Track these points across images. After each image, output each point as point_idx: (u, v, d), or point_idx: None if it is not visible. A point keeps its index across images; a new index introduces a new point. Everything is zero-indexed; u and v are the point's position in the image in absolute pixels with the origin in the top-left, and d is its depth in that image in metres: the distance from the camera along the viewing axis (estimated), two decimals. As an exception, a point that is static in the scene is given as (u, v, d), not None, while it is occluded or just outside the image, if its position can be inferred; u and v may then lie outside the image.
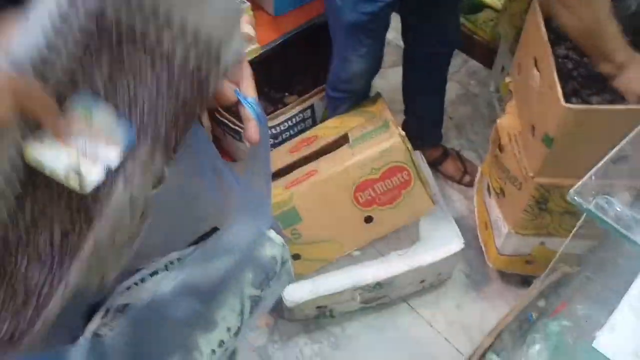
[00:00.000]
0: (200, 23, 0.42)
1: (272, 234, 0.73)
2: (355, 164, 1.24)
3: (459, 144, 1.89)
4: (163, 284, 0.60)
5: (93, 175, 0.40)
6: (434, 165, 1.75)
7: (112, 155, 0.41)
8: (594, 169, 0.66)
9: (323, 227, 1.28)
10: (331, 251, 1.32)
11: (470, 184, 1.75)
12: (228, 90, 0.53)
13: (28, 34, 0.38)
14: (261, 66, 1.58)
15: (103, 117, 0.41)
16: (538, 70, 1.14)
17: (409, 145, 1.25)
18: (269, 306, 0.80)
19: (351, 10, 1.24)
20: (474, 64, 2.16)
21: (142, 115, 0.43)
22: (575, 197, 0.60)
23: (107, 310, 0.55)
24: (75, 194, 0.41)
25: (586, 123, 1.00)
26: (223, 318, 0.69)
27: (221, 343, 0.70)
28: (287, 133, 1.65)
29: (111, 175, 0.42)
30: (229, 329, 0.71)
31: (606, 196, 0.60)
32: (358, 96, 1.53)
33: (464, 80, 2.10)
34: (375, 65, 1.44)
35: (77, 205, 0.43)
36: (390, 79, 1.94)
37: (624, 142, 0.71)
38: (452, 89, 2.02)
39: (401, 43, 1.55)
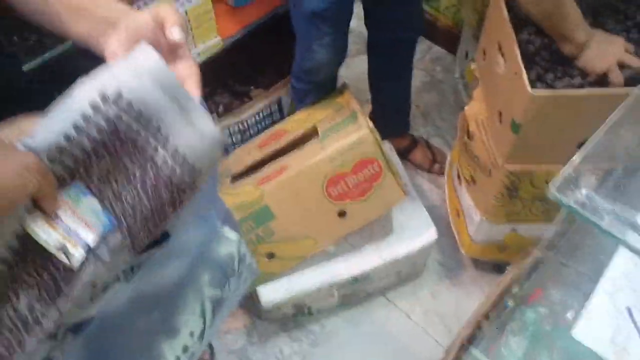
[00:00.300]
0: (190, 151, 0.51)
1: (225, 230, 0.73)
2: (325, 158, 1.21)
3: (426, 131, 1.89)
4: (117, 296, 0.58)
5: (77, 254, 0.46)
6: (403, 154, 1.74)
7: (89, 238, 0.47)
8: (570, 162, 0.65)
9: (296, 224, 1.26)
10: (306, 248, 1.30)
11: (440, 172, 1.75)
12: None
13: (53, 123, 0.46)
14: (224, 59, 1.54)
15: (88, 206, 0.48)
16: (502, 56, 1.14)
17: (378, 137, 1.23)
18: (234, 305, 0.79)
19: None
20: (437, 50, 2.16)
21: (123, 211, 0.50)
22: (556, 194, 0.60)
23: (57, 333, 0.52)
24: (57, 267, 0.47)
25: (552, 108, 1.00)
26: (185, 323, 0.69)
27: (185, 348, 0.69)
28: (255, 128, 1.62)
29: (88, 255, 0.48)
30: (192, 334, 0.70)
31: (584, 190, 0.59)
32: (324, 87, 1.50)
33: (428, 67, 2.10)
34: (339, 54, 1.42)
35: (55, 278, 0.48)
36: (355, 68, 1.92)
37: (600, 129, 0.70)
38: (417, 77, 2.01)
39: (364, 31, 1.53)
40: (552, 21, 1.04)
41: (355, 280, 1.38)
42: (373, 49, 1.57)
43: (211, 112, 1.63)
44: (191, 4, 1.35)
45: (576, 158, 0.74)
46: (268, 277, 1.33)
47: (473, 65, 1.38)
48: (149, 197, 0.51)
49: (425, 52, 2.14)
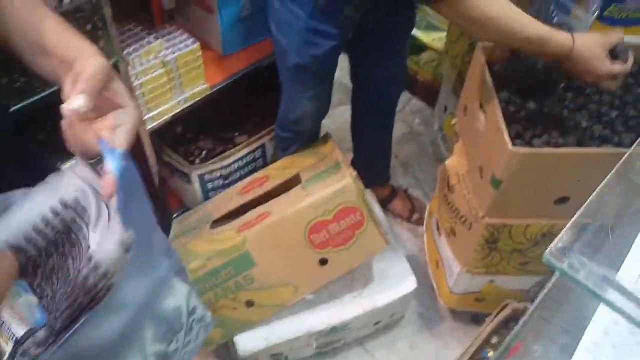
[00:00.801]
0: (101, 256, 0.56)
1: (175, 282, 0.71)
2: (308, 205, 1.22)
3: (405, 182, 1.92)
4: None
5: (6, 348, 0.52)
6: (383, 204, 1.76)
7: (19, 331, 0.52)
8: (565, 229, 0.68)
9: (277, 271, 1.25)
10: (286, 295, 1.29)
11: (418, 222, 1.78)
12: (90, 140, 0.54)
13: (14, 223, 0.53)
14: (211, 106, 1.56)
15: (26, 302, 0.53)
16: (484, 113, 1.18)
17: (361, 186, 1.25)
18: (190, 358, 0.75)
19: (297, 53, 1.25)
20: (417, 102, 2.23)
21: (54, 308, 0.55)
22: (550, 259, 0.61)
23: None
24: None
25: (532, 165, 1.04)
26: None
27: None
28: (238, 173, 1.62)
29: (15, 346, 0.52)
30: None
31: (578, 255, 0.61)
32: (307, 136, 1.53)
33: (408, 119, 2.16)
34: (323, 106, 1.45)
35: None
36: (337, 117, 1.96)
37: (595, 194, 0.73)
38: (397, 128, 2.03)
39: (347, 82, 1.57)
40: (532, 45, 1.01)
41: (334, 329, 1.36)
42: (357, 102, 1.62)
43: (194, 156, 1.64)
44: (181, 51, 1.38)
45: (570, 226, 0.76)
46: (246, 325, 1.31)
47: (454, 120, 1.43)
48: (71, 295, 0.56)
49: (405, 103, 2.21)
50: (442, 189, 1.41)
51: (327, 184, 1.26)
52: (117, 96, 0.57)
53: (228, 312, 1.27)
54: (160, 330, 0.68)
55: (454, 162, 1.34)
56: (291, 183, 1.38)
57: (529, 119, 1.16)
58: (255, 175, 1.55)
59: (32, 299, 0.53)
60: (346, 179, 1.23)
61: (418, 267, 1.61)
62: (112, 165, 0.53)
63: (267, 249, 1.23)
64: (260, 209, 1.32)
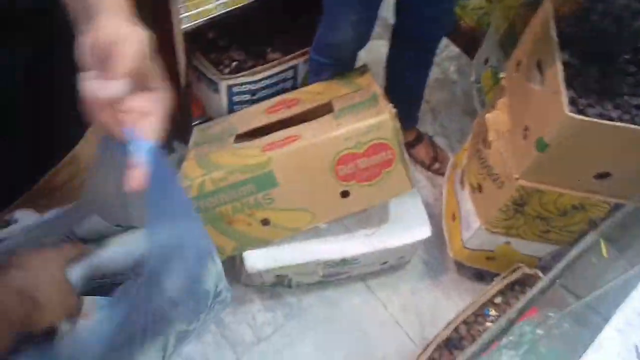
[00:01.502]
0: None
1: (211, 266, 0.71)
2: (340, 135, 1.18)
3: (432, 129, 1.88)
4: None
5: None
6: (406, 147, 1.73)
7: None
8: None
9: (298, 196, 1.23)
10: (302, 221, 1.27)
11: (438, 172, 1.75)
12: (115, 124, 0.48)
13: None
14: (247, 16, 1.49)
15: None
16: (541, 73, 1.12)
17: (398, 124, 1.21)
18: (194, 338, 0.75)
19: None
20: (454, 49, 2.14)
21: None
22: None
23: None
24: None
25: (584, 135, 1.00)
26: (143, 354, 0.64)
27: None
28: (266, 91, 1.57)
29: None
30: None
31: None
32: (343, 65, 1.47)
33: (444, 65, 2.08)
34: (364, 35, 1.39)
35: None
36: (372, 51, 1.87)
37: None
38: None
39: (386, 15, 1.49)
40: None
41: (343, 261, 1.37)
42: (400, 41, 1.54)
43: (224, 66, 1.58)
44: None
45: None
46: (258, 242, 1.30)
47: (502, 74, 1.37)
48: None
49: (442, 48, 2.12)
50: (476, 143, 1.37)
51: (362, 116, 1.21)
52: (149, 77, 0.49)
53: (243, 227, 1.26)
54: (190, 311, 0.69)
55: (495, 118, 1.29)
56: (322, 110, 1.34)
57: (585, 86, 1.11)
58: (285, 96, 1.50)
59: None
60: (384, 115, 1.19)
61: (431, 216, 1.59)
62: (140, 156, 0.47)
63: (292, 172, 1.21)
64: (289, 131, 1.28)
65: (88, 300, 0.58)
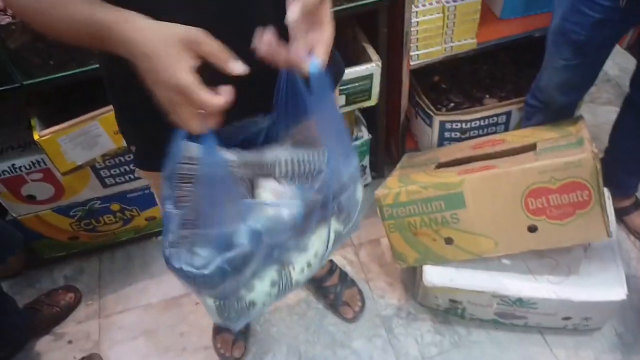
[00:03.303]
0: None
1: (359, 181, 0.88)
2: (535, 167, 1.20)
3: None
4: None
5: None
6: (620, 214, 1.63)
7: None
8: None
9: (484, 221, 1.28)
10: (485, 247, 1.31)
11: None
12: (301, 51, 0.63)
13: None
14: (471, 63, 1.63)
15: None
16: None
17: (599, 166, 1.18)
18: (341, 243, 0.92)
19: (561, 15, 1.24)
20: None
21: None
22: None
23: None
24: None
25: None
26: (313, 244, 0.82)
27: (309, 264, 0.84)
28: (477, 131, 1.67)
29: None
30: (316, 254, 0.84)
31: None
32: (554, 110, 1.48)
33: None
34: (574, 81, 1.38)
35: None
36: (599, 115, 1.84)
37: None
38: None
39: (623, 82, 1.46)
40: None
41: (519, 301, 1.35)
42: (631, 107, 1.51)
43: (442, 106, 1.73)
44: (462, 2, 1.46)
45: None
46: (439, 259, 1.37)
47: None
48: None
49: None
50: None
51: (563, 154, 1.22)
52: (322, 12, 0.66)
53: (427, 240, 1.35)
54: (344, 214, 0.85)
55: None
56: (525, 149, 1.37)
57: None
58: (492, 136, 1.57)
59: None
60: (585, 154, 1.17)
61: (635, 289, 1.47)
62: (314, 73, 0.64)
63: (481, 197, 1.26)
64: (487, 162, 1.34)
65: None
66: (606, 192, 1.51)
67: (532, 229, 1.25)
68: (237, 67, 0.59)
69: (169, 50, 0.56)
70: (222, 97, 0.59)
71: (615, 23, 1.19)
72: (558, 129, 1.44)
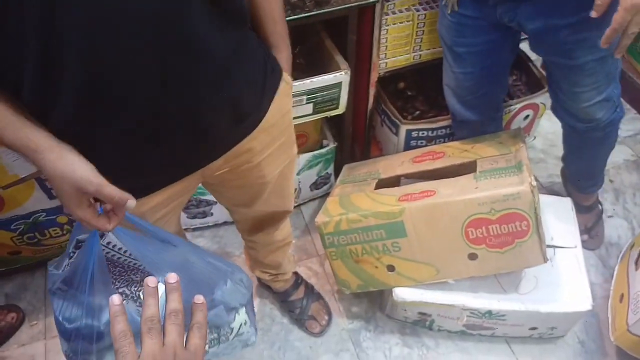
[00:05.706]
0: None
1: (242, 312, 0.97)
2: (475, 199, 1.18)
3: (611, 209, 1.77)
4: None
5: None
6: (580, 210, 1.63)
7: None
8: None
9: (424, 250, 1.27)
10: (426, 274, 1.30)
11: (589, 246, 1.64)
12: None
13: None
14: (437, 71, 1.60)
15: None
16: None
17: (537, 197, 1.17)
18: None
19: (440, 20, 1.32)
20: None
21: None
22: None
23: None
24: None
25: None
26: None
27: None
28: (442, 140, 1.67)
29: None
30: None
31: None
32: (460, 121, 1.50)
33: (637, 148, 1.96)
34: (460, 92, 1.43)
35: None
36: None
37: None
38: (620, 153, 1.90)
39: None
40: None
41: (489, 313, 1.35)
42: (566, 128, 1.48)
43: (408, 113, 1.70)
44: (432, 10, 1.45)
45: None
46: (382, 285, 1.37)
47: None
48: None
49: (638, 130, 2.01)
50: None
51: (502, 183, 1.20)
52: None
53: (369, 268, 1.35)
54: (211, 334, 0.91)
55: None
56: (465, 168, 1.35)
57: None
58: (433, 147, 1.55)
59: None
60: (524, 186, 1.15)
61: (596, 297, 1.49)
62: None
63: (422, 226, 1.25)
64: (427, 185, 1.31)
65: None
66: (569, 201, 1.54)
67: (473, 257, 1.25)
68: (130, 204, 0.72)
69: (71, 192, 0.69)
70: (111, 224, 0.74)
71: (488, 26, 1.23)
72: (497, 143, 1.42)
